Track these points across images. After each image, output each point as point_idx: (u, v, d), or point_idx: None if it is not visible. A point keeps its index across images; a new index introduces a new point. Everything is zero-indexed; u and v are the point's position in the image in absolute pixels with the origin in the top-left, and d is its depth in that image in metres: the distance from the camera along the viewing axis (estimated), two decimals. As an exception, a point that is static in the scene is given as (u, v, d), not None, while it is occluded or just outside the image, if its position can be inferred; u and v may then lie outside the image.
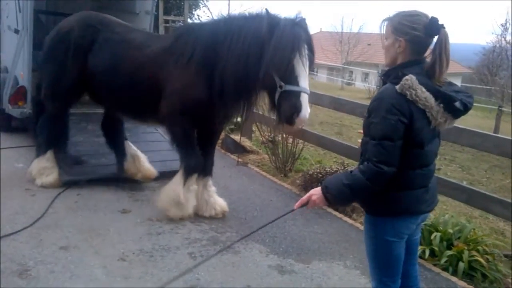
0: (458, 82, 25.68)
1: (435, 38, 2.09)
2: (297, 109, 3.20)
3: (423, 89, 2.01)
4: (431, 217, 4.25)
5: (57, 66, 4.40)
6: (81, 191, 4.58)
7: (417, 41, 2.09)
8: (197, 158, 4.08)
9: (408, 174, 2.11)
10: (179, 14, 12.33)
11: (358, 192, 2.12)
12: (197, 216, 4.26)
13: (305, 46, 3.29)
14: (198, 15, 15.76)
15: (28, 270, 3.12)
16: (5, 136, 6.26)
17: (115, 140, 4.89)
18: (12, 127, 6.44)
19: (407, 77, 2.01)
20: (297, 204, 2.34)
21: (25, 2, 5.63)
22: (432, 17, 2.08)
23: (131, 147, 4.90)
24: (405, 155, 2.06)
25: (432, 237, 3.83)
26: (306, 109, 3.24)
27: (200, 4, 15.55)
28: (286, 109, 3.24)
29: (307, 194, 2.28)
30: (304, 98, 3.22)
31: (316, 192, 2.23)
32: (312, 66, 3.37)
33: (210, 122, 4.11)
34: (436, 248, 3.76)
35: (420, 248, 3.77)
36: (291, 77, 3.22)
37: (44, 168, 4.60)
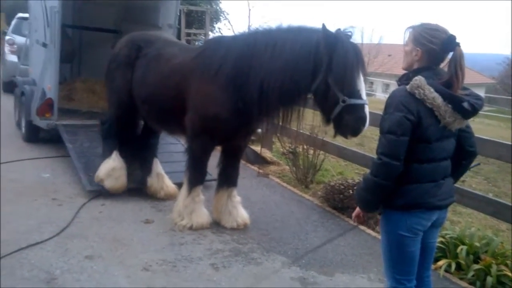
0: (481, 92, 25.21)
1: (451, 53, 2.26)
2: (364, 121, 3.27)
3: (431, 90, 2.18)
4: (456, 230, 4.17)
5: (112, 82, 4.76)
6: (105, 201, 4.66)
7: (432, 54, 2.28)
8: (202, 171, 4.20)
9: (416, 168, 2.25)
10: (200, 27, 12.53)
11: (374, 192, 2.29)
12: (219, 227, 4.28)
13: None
14: (219, 28, 15.97)
15: (55, 279, 3.18)
16: (32, 147, 6.44)
17: (146, 155, 4.96)
18: (39, 138, 6.61)
19: (416, 77, 2.21)
20: (354, 219, 2.58)
21: (53, 17, 5.81)
22: (451, 35, 2.26)
23: (158, 166, 4.96)
24: (413, 149, 2.21)
25: (458, 250, 3.74)
26: (368, 120, 3.33)
27: (221, 17, 15.76)
28: (352, 121, 3.27)
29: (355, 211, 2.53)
30: (367, 110, 3.31)
31: (357, 209, 2.48)
32: (365, 79, 3.42)
33: (236, 139, 4.14)
34: (463, 262, 3.68)
35: (445, 261, 3.71)
36: (355, 91, 3.24)
37: (113, 169, 4.69)
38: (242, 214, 4.36)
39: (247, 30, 4.31)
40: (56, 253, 3.54)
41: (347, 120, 3.27)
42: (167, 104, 4.20)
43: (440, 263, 3.70)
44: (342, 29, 3.34)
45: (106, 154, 4.83)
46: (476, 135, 2.54)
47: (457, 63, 2.21)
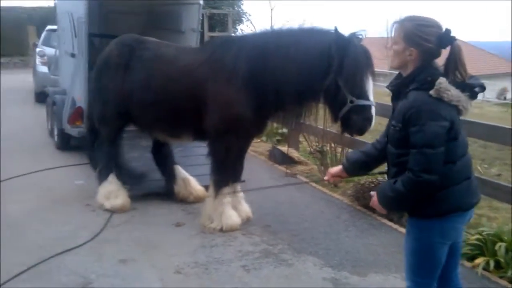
0: (508, 82, 24.34)
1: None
2: (370, 121, 3.44)
3: (453, 87, 2.06)
4: (493, 226, 4.03)
5: (104, 89, 4.57)
6: (137, 205, 4.73)
7: (429, 52, 2.14)
8: (228, 173, 4.17)
9: (450, 169, 2.11)
10: (223, 30, 12.58)
11: (404, 203, 2.18)
12: (249, 228, 4.28)
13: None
14: (242, 30, 16.00)
15: (90, 283, 3.26)
16: (64, 155, 6.62)
17: (164, 165, 4.98)
18: (70, 146, 6.80)
19: (439, 80, 2.04)
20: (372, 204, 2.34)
21: (80, 27, 5.96)
22: (446, 30, 2.11)
23: (181, 171, 4.97)
24: (444, 151, 2.06)
25: (497, 247, 3.61)
26: (374, 120, 3.48)
27: (243, 18, 15.78)
28: (359, 121, 3.44)
29: (373, 198, 2.31)
30: (373, 111, 3.45)
31: (375, 200, 2.28)
32: (374, 81, 3.54)
33: (255, 135, 4.27)
34: (502, 260, 3.55)
35: (483, 259, 3.59)
36: (363, 93, 3.40)
37: (110, 192, 4.60)
38: (246, 209, 4.44)
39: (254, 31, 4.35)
40: (91, 257, 3.63)
41: (354, 120, 3.44)
42: (178, 108, 4.14)
43: (478, 261, 3.58)
44: (354, 33, 3.47)
45: (102, 177, 4.70)
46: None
47: (457, 60, 2.08)
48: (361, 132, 3.51)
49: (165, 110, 4.23)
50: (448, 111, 2.06)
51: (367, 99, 3.41)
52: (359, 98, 3.39)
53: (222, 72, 3.91)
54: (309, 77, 3.57)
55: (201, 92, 4.00)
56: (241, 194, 4.46)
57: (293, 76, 3.63)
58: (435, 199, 2.12)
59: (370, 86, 3.43)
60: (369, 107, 3.42)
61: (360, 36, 3.50)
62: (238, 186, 4.44)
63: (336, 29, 3.48)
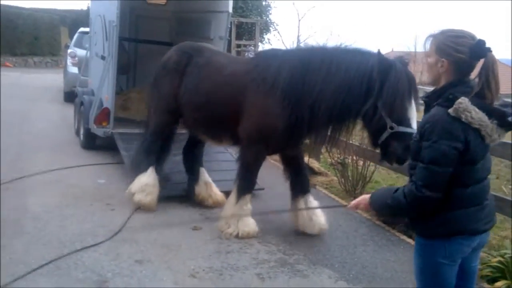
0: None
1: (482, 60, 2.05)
2: (409, 150, 3.25)
3: (477, 110, 1.97)
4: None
5: (160, 89, 4.82)
6: (156, 206, 4.77)
7: (460, 64, 2.06)
8: (253, 180, 4.25)
9: (460, 192, 2.06)
10: (250, 39, 12.70)
11: (400, 213, 2.23)
12: (265, 236, 4.27)
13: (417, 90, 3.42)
14: (269, 39, 16.11)
15: (106, 282, 3.30)
16: (89, 154, 6.76)
17: (192, 165, 5.07)
18: (96, 145, 6.95)
19: (460, 100, 1.97)
20: (351, 205, 2.43)
21: (112, 31, 6.11)
22: (479, 40, 2.03)
23: (205, 174, 5.04)
24: (457, 173, 2.01)
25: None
26: None
27: (270, 28, 15.89)
28: (399, 149, 3.28)
29: (360, 198, 2.35)
30: None
31: (365, 201, 2.29)
32: (417, 107, 3.40)
33: (287, 148, 4.26)
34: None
35: (504, 282, 3.50)
36: (404, 119, 3.28)
37: (146, 185, 4.67)
38: (321, 221, 4.37)
39: (298, 44, 4.39)
40: (108, 256, 3.68)
41: (394, 148, 3.30)
42: (220, 113, 4.30)
43: (499, 284, 3.48)
44: (399, 56, 3.40)
45: (142, 169, 4.79)
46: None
47: (489, 71, 1.99)
48: (400, 161, 3.32)
49: (208, 114, 4.40)
50: (464, 132, 1.98)
51: (409, 126, 3.26)
52: (400, 125, 3.26)
53: (262, 83, 3.99)
54: (347, 98, 3.52)
55: (241, 100, 4.10)
56: (315, 204, 4.40)
57: (330, 95, 3.59)
58: (440, 220, 2.08)
59: (413, 113, 3.29)
60: (410, 134, 3.20)
61: (406, 61, 3.42)
62: (311, 197, 4.44)
63: (378, 52, 3.42)
